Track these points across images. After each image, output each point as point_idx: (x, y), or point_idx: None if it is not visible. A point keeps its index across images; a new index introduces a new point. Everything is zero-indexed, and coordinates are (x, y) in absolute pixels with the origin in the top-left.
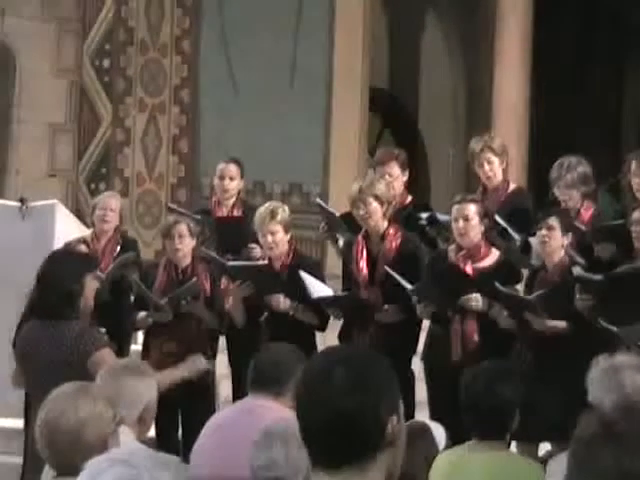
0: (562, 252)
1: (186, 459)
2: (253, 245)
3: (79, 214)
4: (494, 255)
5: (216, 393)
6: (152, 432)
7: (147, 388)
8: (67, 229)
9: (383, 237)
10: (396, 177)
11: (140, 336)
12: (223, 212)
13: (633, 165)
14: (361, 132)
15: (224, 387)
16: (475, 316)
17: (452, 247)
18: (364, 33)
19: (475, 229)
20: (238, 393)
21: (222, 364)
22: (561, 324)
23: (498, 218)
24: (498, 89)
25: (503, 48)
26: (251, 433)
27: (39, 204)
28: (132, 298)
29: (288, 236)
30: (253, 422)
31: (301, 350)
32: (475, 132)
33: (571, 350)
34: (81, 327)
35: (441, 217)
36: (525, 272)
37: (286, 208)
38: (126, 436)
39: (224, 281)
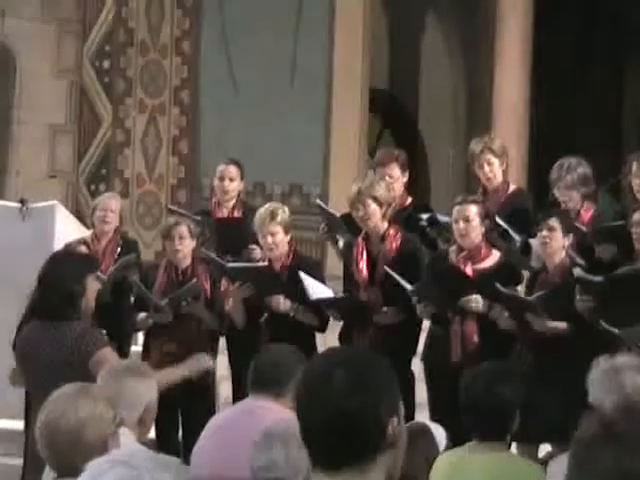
0: (563, 253)
1: (186, 460)
2: (253, 246)
3: (79, 215)
4: (495, 256)
5: (216, 394)
6: (152, 433)
7: (147, 389)
8: (67, 230)
9: (383, 238)
10: (396, 178)
11: (140, 337)
12: (223, 213)
13: (634, 166)
14: (361, 132)
15: (224, 388)
16: (475, 317)
17: (453, 248)
18: (364, 33)
19: (476, 230)
20: (238, 394)
21: (222, 365)
22: (562, 325)
23: (499, 219)
24: (498, 90)
25: (503, 49)
26: (251, 434)
27: (39, 205)
28: (132, 299)
29: (288, 237)
30: (253, 423)
31: (301, 351)
32: (475, 133)
33: (571, 351)
34: (82, 327)
35: (441, 218)
36: (526, 274)
37: (286, 209)
38: (126, 437)
39: (224, 282)
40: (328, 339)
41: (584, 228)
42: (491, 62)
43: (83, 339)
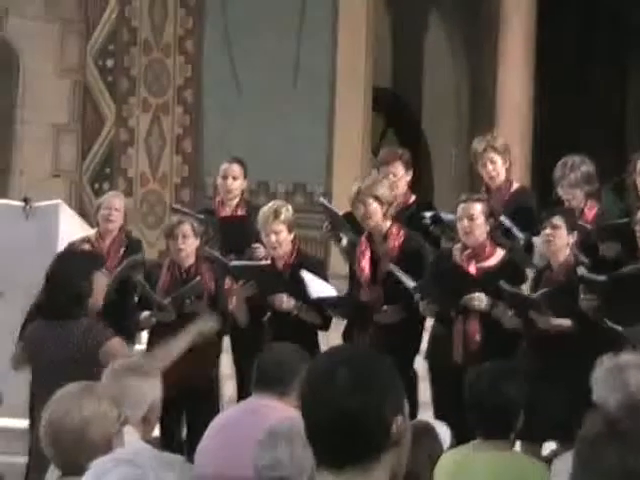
0: (567, 251)
1: (190, 459)
2: (257, 245)
3: (83, 214)
4: (499, 255)
5: (220, 393)
6: (156, 432)
7: (151, 388)
8: (71, 229)
9: (386, 237)
10: (400, 177)
11: (144, 336)
12: (227, 212)
13: (638, 165)
14: (364, 132)
15: (228, 387)
16: (478, 316)
17: (457, 246)
18: (367, 33)
19: (480, 228)
20: (242, 393)
21: (226, 364)
22: (566, 322)
23: (503, 218)
24: (501, 89)
25: (506, 48)
26: (255, 433)
27: (43, 204)
28: (136, 298)
29: (292, 236)
30: (257, 422)
31: (304, 350)
32: (478, 132)
33: (576, 349)
34: (89, 322)
35: (445, 216)
36: (530, 272)
37: (290, 207)
38: (130, 436)
39: (228, 281)
40: (331, 338)
41: (588, 226)
42: (494, 61)
43: (90, 332)
